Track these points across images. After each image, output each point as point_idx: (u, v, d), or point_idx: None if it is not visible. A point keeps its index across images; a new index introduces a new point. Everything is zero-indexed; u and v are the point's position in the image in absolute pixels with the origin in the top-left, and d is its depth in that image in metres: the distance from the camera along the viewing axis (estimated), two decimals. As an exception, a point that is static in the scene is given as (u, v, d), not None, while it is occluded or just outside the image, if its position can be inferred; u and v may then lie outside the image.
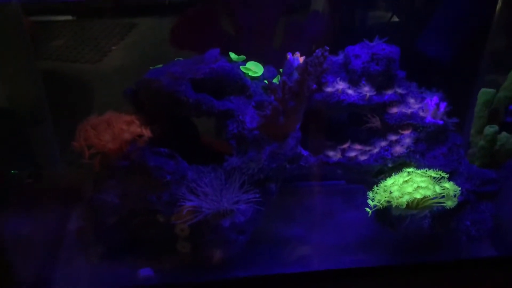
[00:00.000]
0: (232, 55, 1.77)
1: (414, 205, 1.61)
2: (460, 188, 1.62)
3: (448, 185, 1.62)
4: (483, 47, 2.11)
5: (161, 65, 1.71)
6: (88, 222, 1.70)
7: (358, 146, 1.75)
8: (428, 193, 1.58)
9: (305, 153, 1.69)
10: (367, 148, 1.75)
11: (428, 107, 1.71)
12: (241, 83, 1.70)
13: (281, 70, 1.79)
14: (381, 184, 1.67)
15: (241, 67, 1.73)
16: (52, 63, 2.09)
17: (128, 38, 2.16)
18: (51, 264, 1.72)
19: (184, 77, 1.62)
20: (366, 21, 2.17)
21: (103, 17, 2.12)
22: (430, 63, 2.13)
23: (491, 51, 2.10)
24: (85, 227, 1.74)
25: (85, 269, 1.72)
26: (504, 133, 1.74)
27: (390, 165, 1.71)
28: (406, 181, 1.63)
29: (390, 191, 1.61)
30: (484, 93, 1.78)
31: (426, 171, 1.66)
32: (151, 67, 1.71)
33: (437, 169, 1.66)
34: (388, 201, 1.60)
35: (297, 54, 1.74)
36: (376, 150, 1.73)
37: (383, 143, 1.73)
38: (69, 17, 2.08)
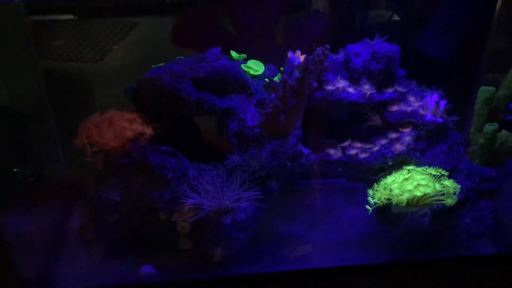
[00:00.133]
0: (233, 54, 1.77)
1: (414, 203, 1.62)
2: (460, 186, 1.63)
3: (448, 182, 1.62)
4: (483, 45, 2.11)
5: (162, 64, 1.71)
6: (90, 220, 1.71)
7: (358, 144, 1.75)
8: (428, 190, 1.58)
9: (305, 151, 1.70)
10: (368, 146, 1.75)
11: (428, 105, 1.71)
12: (242, 82, 1.70)
13: (282, 68, 1.80)
14: (381, 182, 1.67)
15: (242, 66, 1.74)
16: (53, 63, 2.10)
17: (129, 37, 2.17)
18: (53, 262, 1.72)
19: (186, 75, 1.62)
20: (367, 20, 2.17)
21: (104, 16, 2.13)
22: (431, 62, 2.14)
23: (491, 50, 2.10)
24: (87, 225, 1.75)
25: (87, 266, 1.73)
26: (504, 131, 1.74)
27: (390, 163, 1.72)
28: (406, 179, 1.63)
29: (390, 189, 1.61)
30: (484, 91, 1.78)
31: (426, 168, 1.66)
32: (152, 66, 1.71)
33: (437, 167, 1.66)
34: (388, 199, 1.61)
35: (298, 52, 1.75)
36: (376, 148, 1.73)
37: (384, 141, 1.73)
38: (70, 17, 2.08)
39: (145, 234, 1.69)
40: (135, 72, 1.72)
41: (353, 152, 1.73)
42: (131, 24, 2.18)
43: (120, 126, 1.61)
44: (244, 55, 1.79)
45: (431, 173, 1.64)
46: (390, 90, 1.74)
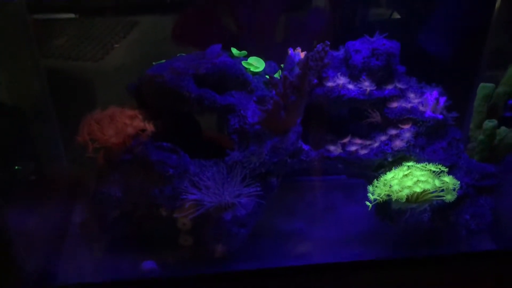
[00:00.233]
0: (234, 51, 1.78)
1: (413, 199, 1.62)
2: (459, 182, 1.63)
3: (447, 179, 1.63)
4: (483, 42, 2.12)
5: (163, 61, 1.72)
6: (92, 216, 1.72)
7: (358, 141, 1.76)
8: (428, 187, 1.59)
9: (306, 147, 1.70)
10: (368, 143, 1.76)
11: (428, 101, 1.72)
12: (243, 78, 1.71)
13: (282, 65, 1.81)
14: (381, 178, 1.68)
15: (243, 62, 1.74)
16: (55, 61, 2.09)
17: (130, 36, 2.16)
18: (55, 258, 1.73)
19: (187, 72, 1.63)
20: (367, 17, 2.17)
21: (105, 15, 2.13)
22: (431, 59, 2.15)
23: (491, 47, 2.11)
24: (88, 221, 1.75)
25: (89, 262, 1.73)
26: (503, 128, 1.75)
27: (390, 159, 1.72)
28: (406, 175, 1.64)
29: (390, 185, 1.62)
30: (483, 88, 1.78)
31: (426, 165, 1.67)
32: (154, 63, 1.72)
33: (437, 163, 1.67)
34: (388, 195, 1.61)
35: (298, 49, 1.76)
36: (376, 145, 1.74)
37: (383, 138, 1.74)
38: (72, 15, 2.09)
39: (146, 230, 1.69)
40: (136, 71, 1.72)
41: (353, 148, 1.74)
42: (132, 23, 2.18)
43: (121, 123, 1.62)
44: (244, 52, 1.79)
45: (430, 170, 1.65)
46: (390, 86, 1.75)
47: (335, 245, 1.81)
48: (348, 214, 1.94)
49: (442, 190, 1.61)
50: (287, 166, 1.69)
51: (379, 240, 1.80)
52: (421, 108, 1.72)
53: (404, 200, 1.59)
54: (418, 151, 1.72)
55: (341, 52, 1.80)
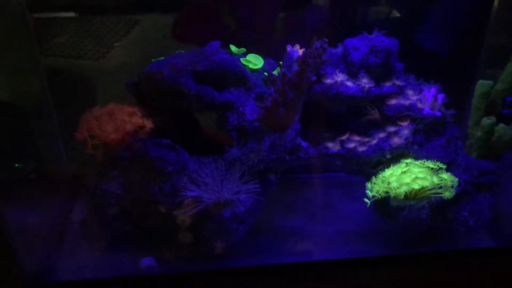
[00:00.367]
0: (233, 48, 1.78)
1: (412, 196, 1.63)
2: (458, 179, 1.64)
3: (446, 176, 1.63)
4: (482, 40, 2.12)
5: (162, 58, 1.73)
6: (91, 213, 1.72)
7: (356, 138, 1.76)
8: (426, 183, 1.59)
9: (304, 144, 1.71)
10: (366, 140, 1.76)
11: (426, 98, 1.72)
12: (241, 75, 1.71)
13: (281, 62, 1.81)
14: (380, 175, 1.68)
15: (241, 59, 1.75)
16: (55, 60, 2.10)
17: (131, 34, 2.17)
18: (54, 254, 1.73)
19: (185, 69, 1.64)
20: (366, 15, 2.18)
21: (106, 14, 2.13)
22: (430, 57, 2.15)
23: (490, 45, 2.11)
24: (88, 218, 1.76)
25: (88, 258, 1.74)
26: (501, 125, 1.75)
27: (388, 156, 1.73)
28: (404, 172, 1.64)
29: (388, 182, 1.62)
30: (481, 85, 1.78)
31: (424, 162, 1.67)
32: (153, 60, 1.72)
33: (435, 160, 1.67)
34: (387, 192, 1.61)
35: (297, 46, 1.76)
36: (374, 142, 1.74)
37: (382, 135, 1.74)
38: (72, 14, 2.09)
39: (145, 227, 1.69)
40: (136, 69, 1.72)
41: (351, 145, 1.74)
42: (133, 22, 2.19)
43: (120, 119, 1.62)
44: (243, 49, 1.80)
45: (429, 166, 1.65)
46: (388, 83, 1.75)
47: (334, 242, 1.81)
48: (347, 211, 1.95)
49: (441, 187, 1.61)
50: (285, 163, 1.69)
51: (378, 237, 1.80)
52: (419, 105, 1.72)
53: (402, 197, 1.59)
54: (416, 148, 1.72)
55: (339, 49, 1.80)
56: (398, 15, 2.18)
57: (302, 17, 2.08)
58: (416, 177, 1.60)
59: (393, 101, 1.73)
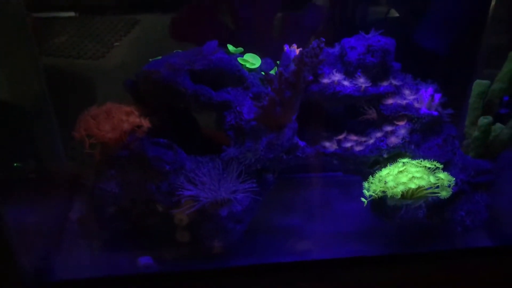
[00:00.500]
0: (230, 47, 1.79)
1: (409, 195, 1.63)
2: (454, 179, 1.63)
3: (442, 175, 1.62)
4: (480, 40, 2.12)
5: (160, 57, 1.73)
6: (90, 212, 1.73)
7: (353, 137, 1.76)
8: (423, 183, 1.58)
9: (301, 143, 1.71)
10: (363, 139, 1.76)
11: (423, 98, 1.72)
12: (239, 75, 1.72)
13: (278, 62, 1.81)
14: (376, 175, 1.67)
15: (239, 59, 1.75)
16: (55, 60, 2.10)
17: (131, 34, 2.17)
18: (52, 254, 1.74)
19: (183, 68, 1.64)
20: (365, 15, 2.18)
21: (106, 13, 2.14)
22: (428, 56, 2.15)
23: (487, 44, 2.11)
24: (86, 217, 1.76)
25: (86, 257, 1.74)
26: (498, 124, 1.75)
27: (385, 156, 1.72)
28: (401, 172, 1.64)
29: (385, 182, 1.62)
30: (478, 85, 1.78)
31: (421, 161, 1.66)
32: (150, 59, 1.73)
33: (432, 160, 1.67)
34: (383, 191, 1.61)
35: (294, 46, 1.76)
36: (371, 141, 1.74)
37: (379, 134, 1.74)
38: (72, 14, 2.10)
39: (143, 226, 1.70)
40: (136, 69, 1.73)
41: (348, 145, 1.74)
42: (133, 21, 2.19)
43: (117, 119, 1.63)
44: (241, 49, 1.80)
45: (425, 166, 1.64)
46: (385, 83, 1.75)
47: (331, 241, 1.81)
48: (344, 211, 1.95)
49: (437, 187, 1.61)
50: (283, 162, 1.69)
51: (375, 236, 1.80)
52: (416, 104, 1.72)
53: (399, 196, 1.59)
54: (413, 148, 1.72)
55: (336, 49, 1.80)
56: (396, 15, 2.18)
57: (301, 17, 2.08)
58: (413, 177, 1.60)
59: (390, 101, 1.73)
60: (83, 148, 1.62)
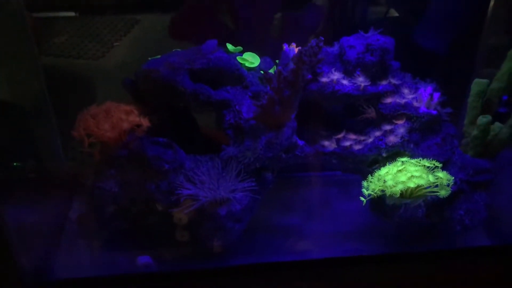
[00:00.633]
0: (229, 46, 1.79)
1: (408, 194, 1.63)
2: (453, 178, 1.63)
3: (441, 174, 1.63)
4: (479, 39, 2.12)
5: (159, 56, 1.73)
6: (89, 211, 1.73)
7: (352, 136, 1.76)
8: (422, 182, 1.59)
9: (300, 142, 1.71)
10: (362, 138, 1.76)
11: (422, 97, 1.72)
12: (238, 74, 1.72)
13: (277, 61, 1.81)
14: (376, 174, 1.68)
15: (238, 58, 1.75)
16: (55, 59, 2.11)
17: (131, 34, 2.18)
18: (52, 253, 1.74)
19: (182, 67, 1.65)
20: (365, 14, 2.18)
21: (106, 13, 2.14)
22: (428, 56, 2.15)
23: (487, 43, 2.11)
24: (85, 216, 1.76)
25: (85, 257, 1.75)
26: (497, 123, 1.75)
27: (384, 155, 1.72)
28: (400, 171, 1.64)
29: (384, 180, 1.62)
30: (477, 84, 1.78)
31: (420, 160, 1.67)
32: (149, 58, 1.73)
33: (431, 159, 1.67)
34: (382, 190, 1.62)
35: (293, 45, 1.76)
36: (370, 140, 1.74)
37: (378, 133, 1.74)
38: (72, 14, 2.10)
39: (143, 225, 1.70)
40: (136, 69, 1.73)
41: (347, 143, 1.74)
42: (133, 21, 2.19)
43: (117, 118, 1.63)
44: (240, 48, 1.80)
45: (424, 165, 1.65)
46: (384, 82, 1.75)
47: (330, 240, 1.82)
48: (343, 210, 1.95)
49: (436, 186, 1.61)
50: (282, 161, 1.69)
51: (374, 235, 1.81)
52: (415, 103, 1.72)
53: (398, 195, 1.59)
54: (412, 147, 1.72)
55: (335, 48, 1.80)
56: (396, 14, 2.19)
57: (300, 16, 2.08)
58: (412, 176, 1.60)
59: (389, 100, 1.73)
60: (83, 147, 1.62)
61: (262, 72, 1.76)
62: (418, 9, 2.16)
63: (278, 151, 1.66)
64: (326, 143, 1.75)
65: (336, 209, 1.97)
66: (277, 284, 1.71)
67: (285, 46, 1.75)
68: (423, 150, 1.73)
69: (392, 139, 1.71)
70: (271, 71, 1.79)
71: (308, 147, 1.72)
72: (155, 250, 1.71)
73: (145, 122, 1.65)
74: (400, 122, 1.72)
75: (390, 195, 1.61)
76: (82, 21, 2.15)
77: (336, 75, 1.73)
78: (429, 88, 1.73)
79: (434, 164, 1.65)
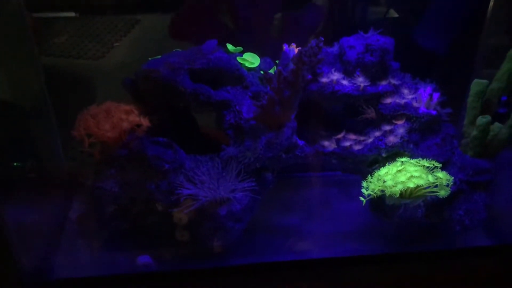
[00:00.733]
0: (229, 47, 1.79)
1: (407, 195, 1.63)
2: (453, 178, 1.64)
3: (441, 174, 1.63)
4: (479, 39, 2.12)
5: (159, 56, 1.74)
6: (89, 211, 1.73)
7: (352, 136, 1.77)
8: (421, 182, 1.59)
9: (300, 142, 1.71)
10: (362, 138, 1.76)
11: (422, 97, 1.72)
12: (238, 74, 1.72)
13: (277, 61, 1.81)
14: (375, 174, 1.68)
15: (238, 58, 1.76)
16: (55, 59, 2.11)
17: (131, 34, 2.18)
18: (52, 253, 1.74)
19: (182, 67, 1.65)
20: (364, 14, 2.18)
21: (106, 13, 2.14)
22: (428, 56, 2.15)
23: (486, 44, 2.11)
24: (85, 216, 1.77)
25: (85, 256, 1.75)
26: (496, 124, 1.75)
27: (384, 155, 1.73)
28: (399, 171, 1.64)
29: (384, 181, 1.62)
30: (476, 84, 1.78)
31: (420, 160, 1.67)
32: (149, 58, 1.73)
33: (431, 159, 1.67)
34: (382, 191, 1.62)
35: (293, 45, 1.76)
36: (370, 140, 1.74)
37: (377, 133, 1.74)
38: (72, 14, 2.10)
39: (143, 225, 1.70)
40: (136, 69, 1.73)
41: (347, 144, 1.74)
42: (133, 21, 2.19)
43: (117, 117, 1.63)
44: (240, 48, 1.81)
45: (424, 165, 1.65)
46: (384, 82, 1.75)
47: (330, 240, 1.82)
48: (343, 210, 1.95)
49: (436, 186, 1.61)
50: (282, 161, 1.70)
51: (373, 235, 1.81)
52: (415, 104, 1.73)
53: (398, 195, 1.59)
54: (412, 147, 1.72)
55: (335, 48, 1.80)
56: (395, 14, 2.19)
57: (300, 16, 2.08)
58: (412, 176, 1.60)
59: (388, 100, 1.74)
60: (83, 147, 1.62)
61: (262, 72, 1.76)
62: (418, 10, 2.17)
63: (278, 151, 1.66)
64: (326, 143, 1.75)
65: (336, 209, 1.97)
66: (277, 284, 1.71)
67: (285, 47, 1.76)
68: (423, 150, 1.73)
69: (391, 139, 1.71)
70: (271, 71, 1.79)
71: (308, 147, 1.72)
72: (155, 250, 1.71)
73: (145, 122, 1.65)
74: (400, 122, 1.73)
75: (389, 195, 1.61)
76: (82, 21, 2.15)
77: (336, 76, 1.74)
78: (428, 89, 1.74)
79: (433, 164, 1.65)
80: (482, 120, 1.72)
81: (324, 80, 1.73)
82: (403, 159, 1.69)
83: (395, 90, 1.75)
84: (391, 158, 1.72)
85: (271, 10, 2.04)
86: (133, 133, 1.64)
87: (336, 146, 1.75)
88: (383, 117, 1.75)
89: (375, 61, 1.72)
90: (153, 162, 1.61)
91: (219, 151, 1.68)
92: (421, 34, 2.16)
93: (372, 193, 1.62)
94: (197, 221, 1.62)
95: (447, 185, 1.61)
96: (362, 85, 1.73)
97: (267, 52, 1.85)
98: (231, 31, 2.04)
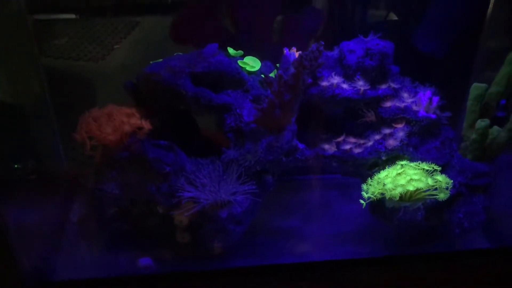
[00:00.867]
0: (230, 50, 1.80)
1: (407, 197, 1.64)
2: (452, 181, 1.65)
3: (440, 177, 1.64)
4: (477, 43, 2.13)
5: (161, 60, 1.74)
6: (90, 213, 1.73)
7: (352, 139, 1.77)
8: (421, 185, 1.60)
9: (301, 146, 1.72)
10: (362, 141, 1.77)
11: (421, 101, 1.73)
12: (239, 77, 1.73)
13: (278, 65, 1.82)
14: (375, 177, 1.69)
15: (239, 62, 1.76)
16: (55, 61, 2.11)
17: (131, 36, 2.18)
18: (53, 255, 1.75)
19: (183, 71, 1.65)
20: (364, 18, 2.19)
21: (106, 15, 2.14)
22: (427, 60, 2.16)
23: (485, 47, 2.12)
24: (86, 217, 1.77)
25: (86, 258, 1.75)
26: (495, 127, 1.76)
27: (384, 158, 1.73)
28: (399, 174, 1.65)
29: (384, 184, 1.63)
30: (475, 88, 1.79)
31: (419, 164, 1.68)
32: (151, 62, 1.74)
33: (430, 162, 1.68)
34: (382, 193, 1.63)
35: (294, 49, 1.77)
36: (370, 143, 1.75)
37: (377, 137, 1.75)
38: (72, 16, 2.10)
39: (143, 227, 1.70)
40: (136, 71, 1.73)
41: (347, 147, 1.75)
42: (133, 23, 2.20)
43: (118, 120, 1.63)
44: (241, 52, 1.81)
45: (423, 168, 1.66)
46: (383, 86, 1.76)
47: (330, 242, 1.82)
48: (343, 212, 1.96)
49: (435, 189, 1.62)
50: (282, 164, 1.70)
51: (373, 238, 1.82)
52: (414, 107, 1.74)
53: (397, 198, 1.60)
54: (411, 150, 1.73)
55: (335, 52, 1.81)
56: (395, 18, 2.20)
57: (300, 20, 2.09)
58: (411, 179, 1.61)
59: (388, 104, 1.75)
60: (85, 150, 1.63)
61: (262, 75, 1.77)
62: (418, 13, 2.17)
63: (279, 154, 1.67)
64: (326, 146, 1.76)
65: (336, 212, 1.98)
66: (277, 286, 1.71)
67: (285, 50, 1.76)
68: (422, 153, 1.74)
69: (391, 142, 1.72)
70: (272, 75, 1.79)
71: (308, 150, 1.73)
72: (155, 251, 1.72)
73: (146, 125, 1.65)
74: (400, 125, 1.73)
75: (389, 198, 1.62)
76: (83, 23, 2.15)
77: (336, 79, 1.74)
78: (428, 92, 1.74)
79: (433, 168, 1.66)
80: (481, 123, 1.73)
81: (325, 83, 1.73)
82: (403, 162, 1.70)
83: (394, 94, 1.76)
84: (391, 161, 1.73)
85: (272, 13, 2.05)
86: (135, 135, 1.64)
87: (336, 149, 1.75)
88: (383, 120, 1.76)
89: (374, 65, 1.73)
90: (154, 164, 1.62)
91: (220, 154, 1.69)
92: (421, 37, 2.17)
93: (372, 196, 1.63)
94: (198, 223, 1.62)
95: (447, 188, 1.62)
96: (362, 88, 1.73)
97: (268, 55, 1.85)
98: (232, 35, 2.04)
